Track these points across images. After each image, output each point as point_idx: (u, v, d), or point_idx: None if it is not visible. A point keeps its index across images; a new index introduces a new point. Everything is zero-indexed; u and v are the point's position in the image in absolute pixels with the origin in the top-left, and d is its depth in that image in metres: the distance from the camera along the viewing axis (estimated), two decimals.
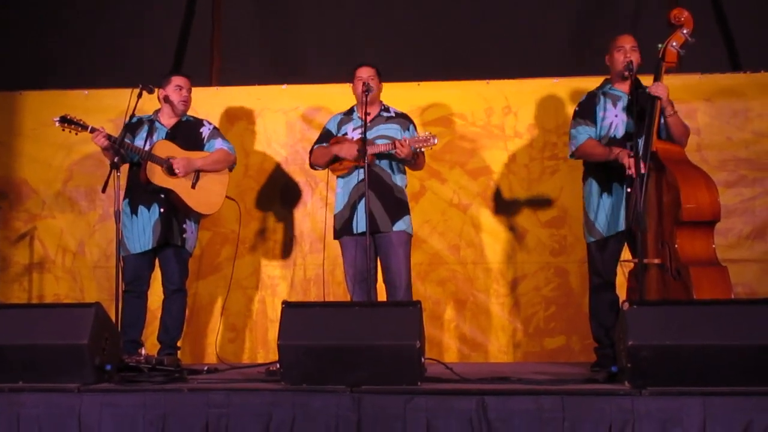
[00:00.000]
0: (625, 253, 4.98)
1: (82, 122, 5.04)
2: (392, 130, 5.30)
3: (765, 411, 3.64)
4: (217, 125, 5.94)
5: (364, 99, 5.07)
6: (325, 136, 5.39)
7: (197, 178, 5.22)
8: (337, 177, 5.32)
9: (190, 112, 5.51)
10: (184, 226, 5.23)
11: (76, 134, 5.12)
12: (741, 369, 3.73)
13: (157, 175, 5.13)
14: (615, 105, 4.99)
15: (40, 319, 4.21)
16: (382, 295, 5.40)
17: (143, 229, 5.17)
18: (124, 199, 5.18)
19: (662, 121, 4.84)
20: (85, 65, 6.81)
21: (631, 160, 4.65)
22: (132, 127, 5.19)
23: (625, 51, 4.91)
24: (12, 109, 6.34)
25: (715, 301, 4.24)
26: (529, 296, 6.02)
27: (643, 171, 4.54)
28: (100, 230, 6.20)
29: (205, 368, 4.80)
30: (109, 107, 6.06)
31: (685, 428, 3.66)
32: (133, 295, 5.19)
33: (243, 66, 6.95)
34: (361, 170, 5.01)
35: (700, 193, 4.57)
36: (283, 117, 6.27)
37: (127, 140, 5.10)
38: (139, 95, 5.07)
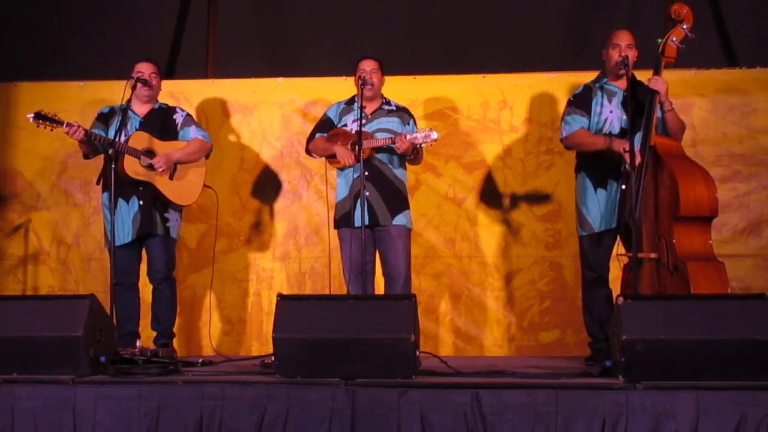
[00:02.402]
0: (621, 247, 4.99)
1: (57, 118, 4.96)
2: (393, 123, 5.31)
3: (758, 405, 3.65)
4: (212, 118, 5.96)
5: (360, 92, 5.10)
6: (326, 125, 5.38)
7: (175, 169, 5.23)
8: (336, 169, 5.32)
9: (183, 103, 5.50)
10: (167, 215, 5.23)
11: (51, 130, 5.01)
12: (734, 363, 3.75)
13: (135, 168, 5.11)
14: (610, 101, 4.99)
15: (34, 311, 4.21)
16: (380, 288, 5.41)
17: (123, 221, 5.16)
18: (103, 192, 5.18)
19: (660, 115, 4.85)
20: (80, 57, 6.78)
21: (625, 145, 4.65)
22: (105, 117, 5.18)
23: (621, 48, 4.91)
24: (7, 101, 6.32)
25: (709, 295, 4.26)
26: (523, 290, 6.03)
27: (637, 163, 4.55)
28: (95, 222, 6.18)
29: (200, 360, 4.81)
30: (104, 99, 6.00)
31: (678, 422, 3.67)
32: (123, 287, 5.20)
33: (239, 58, 6.93)
34: (361, 164, 5.01)
35: (698, 188, 4.58)
36: (279, 110, 6.26)
37: (99, 131, 5.08)
38: (134, 87, 5.06)
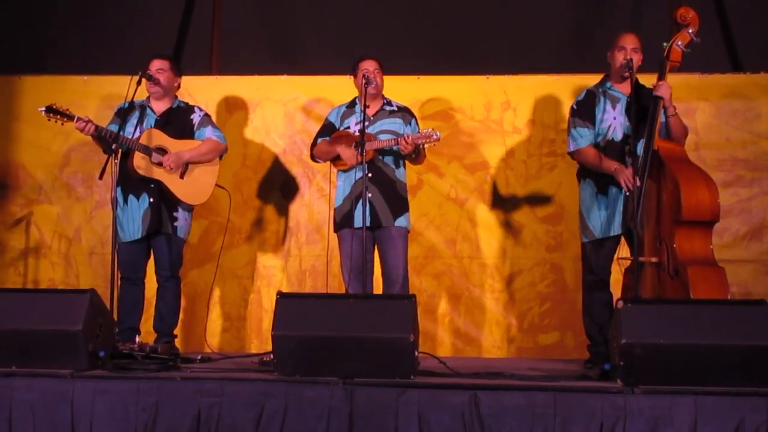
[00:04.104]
0: (623, 250, 4.98)
1: (68, 112, 4.98)
2: (395, 124, 5.31)
3: (756, 411, 3.65)
4: (215, 114, 5.95)
5: (364, 91, 5.09)
6: (328, 129, 5.38)
7: (186, 168, 5.22)
8: (338, 171, 5.32)
9: (186, 99, 5.50)
10: (175, 214, 5.22)
11: (62, 124, 5.05)
12: (733, 369, 3.75)
13: (145, 165, 5.11)
14: (614, 107, 4.99)
15: (34, 304, 4.21)
16: (378, 288, 5.41)
17: (133, 218, 5.16)
18: (116, 186, 5.18)
19: (663, 120, 4.85)
20: (85, 51, 6.79)
21: (628, 178, 4.65)
22: (124, 112, 5.17)
23: (626, 51, 4.90)
24: (11, 94, 6.32)
25: (709, 300, 4.26)
26: (524, 292, 6.02)
27: (638, 184, 4.56)
28: (97, 217, 6.20)
29: (199, 357, 4.81)
30: (108, 94, 6.05)
31: (676, 427, 3.67)
32: (129, 282, 5.21)
33: (243, 55, 6.93)
34: (364, 165, 5.01)
35: (700, 192, 4.58)
36: (282, 108, 6.26)
37: (113, 128, 5.08)
38: (138, 82, 5.05)
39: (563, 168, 5.92)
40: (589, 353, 5.04)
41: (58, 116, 4.98)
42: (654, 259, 4.69)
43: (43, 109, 4.97)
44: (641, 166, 4.65)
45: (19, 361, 4.05)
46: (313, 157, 5.42)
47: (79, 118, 4.97)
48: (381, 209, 5.18)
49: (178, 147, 5.21)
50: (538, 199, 6.06)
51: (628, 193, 4.72)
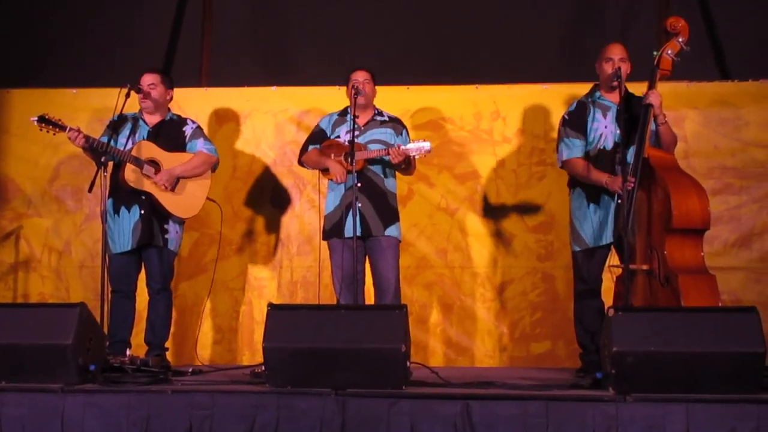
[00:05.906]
0: (614, 258, 4.99)
1: (60, 122, 5.00)
2: (386, 134, 5.32)
3: (748, 418, 3.66)
4: (205, 126, 5.95)
5: (353, 102, 5.11)
6: (318, 136, 5.38)
7: (177, 182, 5.22)
8: (328, 179, 5.32)
9: (177, 111, 5.51)
10: (166, 226, 5.22)
11: (54, 134, 5.08)
12: (724, 376, 3.76)
13: (136, 178, 5.11)
14: (605, 116, 5.00)
15: (24, 318, 4.21)
16: (369, 298, 5.41)
17: (123, 229, 5.16)
18: (108, 198, 5.17)
19: (653, 128, 4.86)
20: (74, 64, 6.76)
21: (620, 183, 4.66)
22: (116, 125, 5.17)
23: (614, 61, 4.92)
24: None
25: (700, 308, 4.27)
26: (515, 301, 6.03)
27: (630, 186, 4.56)
28: (87, 230, 6.18)
29: (190, 369, 4.80)
30: (97, 106, 6.03)
31: None
32: (120, 295, 5.20)
33: (233, 67, 6.93)
34: (353, 174, 5.01)
35: (690, 200, 4.59)
36: (273, 119, 6.26)
37: (105, 140, 5.08)
38: (127, 95, 5.05)
39: (553, 177, 5.92)
40: (581, 362, 5.05)
41: (50, 126, 5.00)
42: (645, 267, 4.70)
43: (35, 118, 4.99)
44: (632, 174, 4.66)
45: (8, 375, 4.04)
46: (301, 163, 5.43)
47: (71, 129, 4.98)
48: (371, 219, 5.19)
49: (170, 159, 5.21)
50: (528, 209, 6.06)
51: (620, 201, 4.73)
